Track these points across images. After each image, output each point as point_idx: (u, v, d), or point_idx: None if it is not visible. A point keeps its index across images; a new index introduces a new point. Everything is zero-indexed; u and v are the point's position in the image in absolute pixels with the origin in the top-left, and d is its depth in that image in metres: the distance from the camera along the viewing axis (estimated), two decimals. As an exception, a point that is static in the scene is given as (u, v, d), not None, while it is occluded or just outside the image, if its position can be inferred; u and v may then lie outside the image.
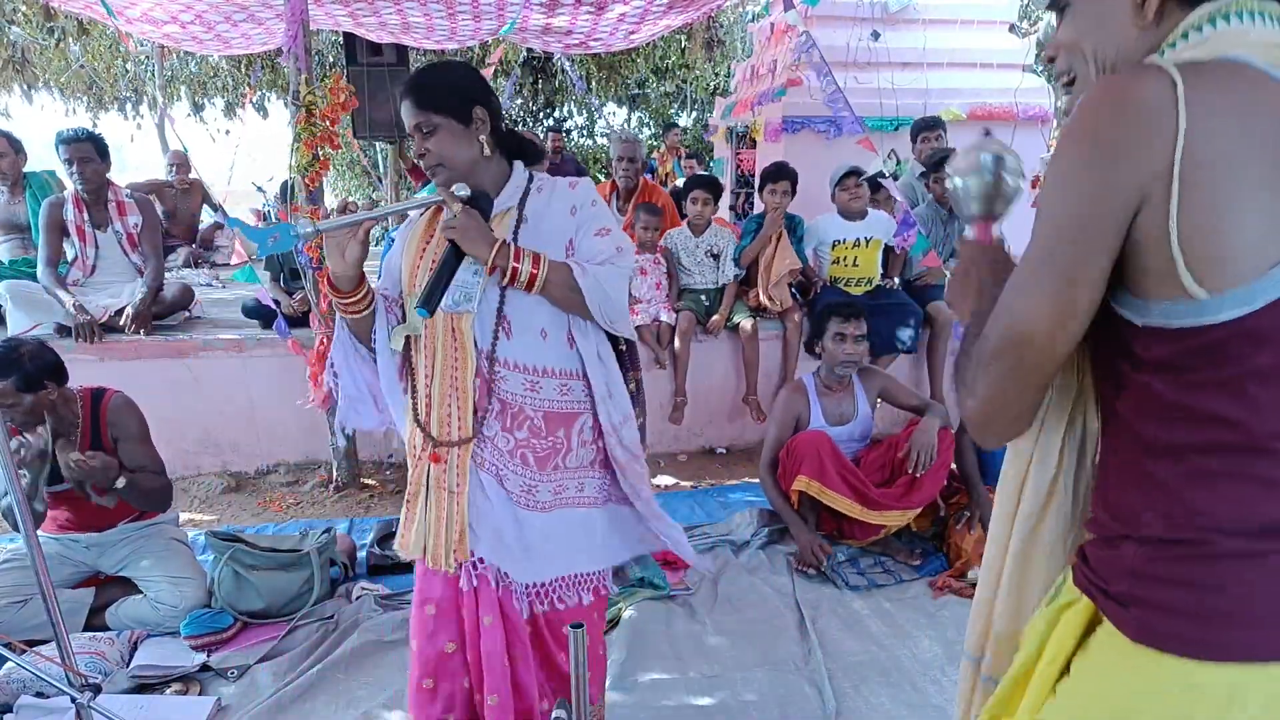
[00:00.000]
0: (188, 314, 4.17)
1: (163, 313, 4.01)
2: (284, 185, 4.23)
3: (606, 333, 1.67)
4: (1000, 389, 0.87)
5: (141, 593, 2.61)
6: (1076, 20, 0.93)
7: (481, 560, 1.64)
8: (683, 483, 3.98)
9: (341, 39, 7.94)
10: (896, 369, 4.18)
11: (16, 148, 4.23)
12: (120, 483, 2.45)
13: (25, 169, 4.30)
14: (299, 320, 3.79)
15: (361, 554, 3.08)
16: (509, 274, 1.54)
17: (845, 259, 4.21)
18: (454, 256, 1.53)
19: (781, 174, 4.21)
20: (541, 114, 13.55)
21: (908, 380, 4.11)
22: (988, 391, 0.88)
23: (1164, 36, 0.85)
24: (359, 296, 1.58)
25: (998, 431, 0.92)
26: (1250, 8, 0.82)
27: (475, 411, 1.61)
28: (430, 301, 1.49)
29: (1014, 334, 0.84)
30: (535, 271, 1.54)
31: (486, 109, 1.60)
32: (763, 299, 4.19)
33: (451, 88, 1.58)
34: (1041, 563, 1.04)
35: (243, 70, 10.79)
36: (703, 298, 4.22)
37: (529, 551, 1.65)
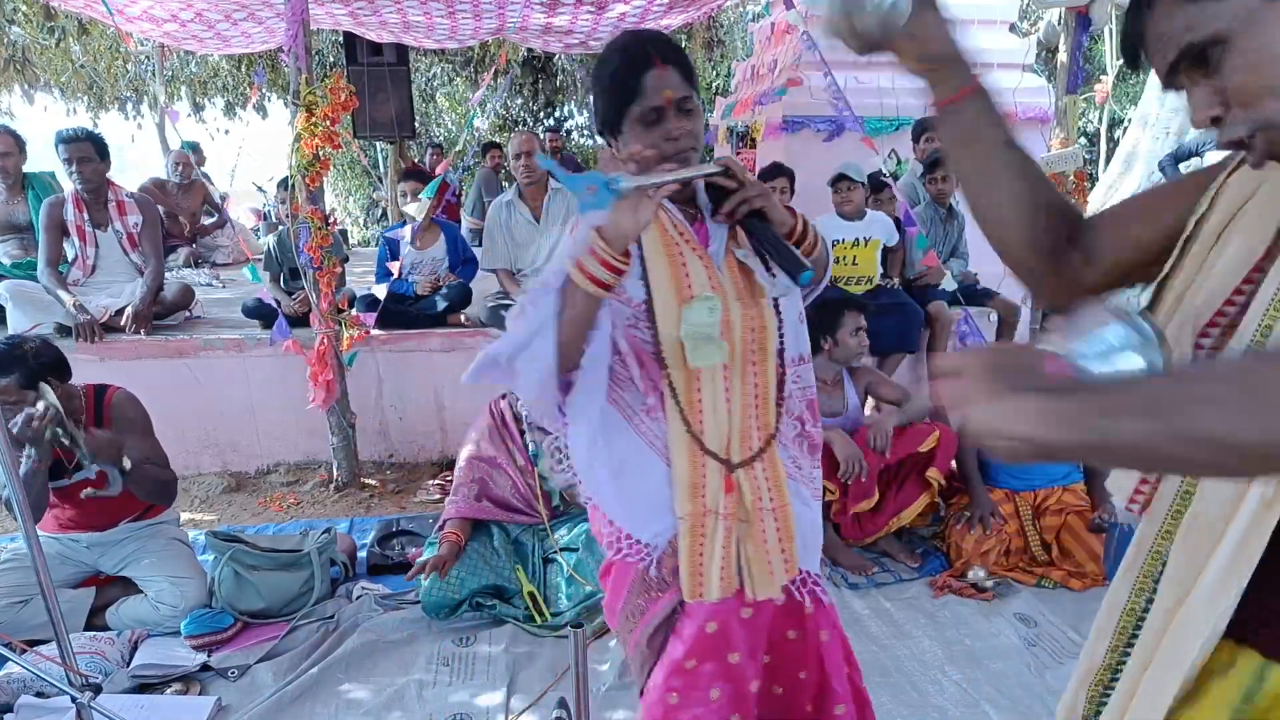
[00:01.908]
0: (188, 314, 4.18)
1: (163, 313, 4.02)
2: (283, 181, 4.24)
3: None
4: None
5: (142, 592, 2.61)
6: (1255, 57, 0.70)
7: (806, 571, 1.46)
8: (683, 482, 3.98)
9: (341, 39, 7.95)
10: (896, 368, 4.19)
11: (20, 146, 4.23)
12: (126, 463, 2.44)
13: (26, 169, 4.31)
14: (299, 320, 3.79)
15: (362, 554, 3.09)
16: (805, 239, 1.39)
17: (845, 258, 4.22)
18: (770, 229, 1.34)
19: (778, 173, 4.23)
20: (542, 114, 13.55)
21: (908, 380, 4.11)
22: None
23: None
24: (628, 262, 1.26)
25: None
26: None
27: (776, 415, 1.43)
28: (804, 269, 1.31)
29: None
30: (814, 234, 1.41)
31: None
32: None
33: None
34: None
35: (243, 70, 10.79)
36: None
37: (813, 542, 1.51)
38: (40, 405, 2.30)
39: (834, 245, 4.23)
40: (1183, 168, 5.69)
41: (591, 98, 1.45)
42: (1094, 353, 0.75)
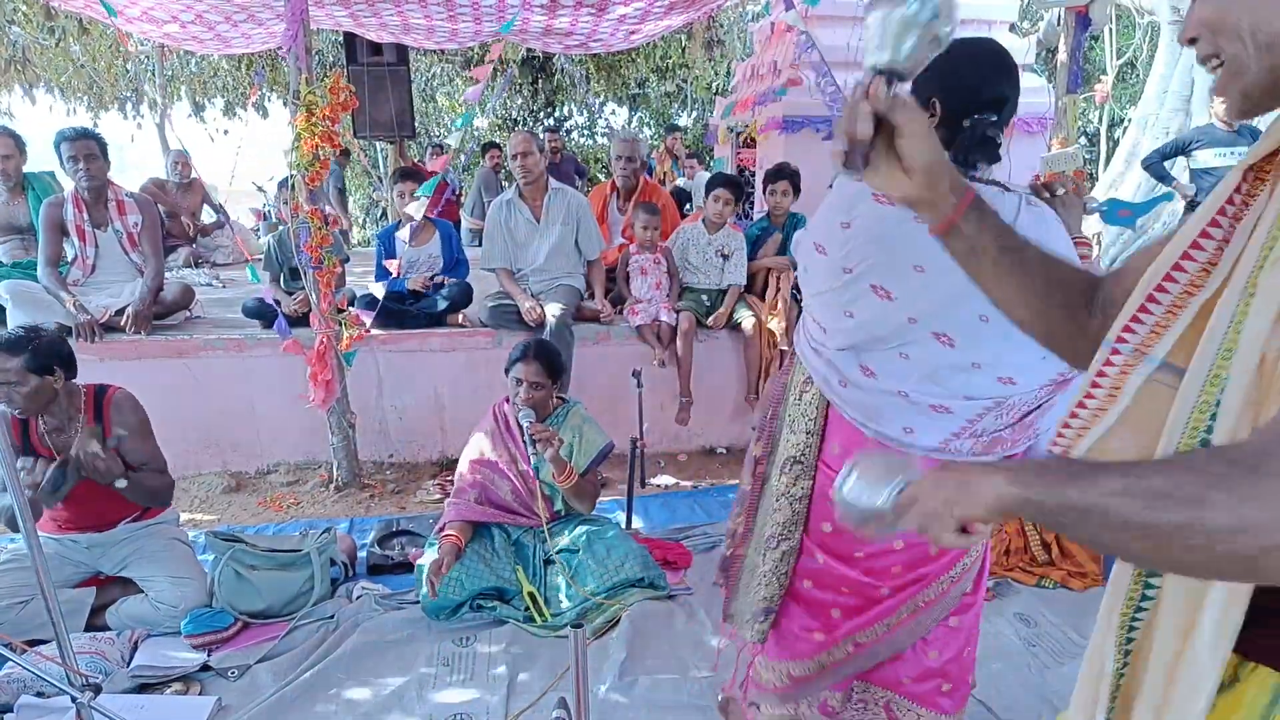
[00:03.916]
0: (188, 314, 4.18)
1: (163, 313, 4.02)
2: (283, 181, 4.24)
3: None
4: None
5: (142, 592, 2.61)
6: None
7: None
8: (683, 482, 3.99)
9: (341, 39, 7.95)
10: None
11: (21, 147, 4.24)
12: (121, 484, 2.46)
13: (26, 169, 4.31)
14: (299, 320, 3.79)
15: (362, 554, 3.09)
16: None
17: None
18: None
19: (781, 175, 4.23)
20: (542, 114, 13.56)
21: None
22: None
23: None
24: None
25: None
26: None
27: None
28: None
29: None
30: None
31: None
32: (772, 328, 4.15)
33: None
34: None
35: (243, 70, 10.79)
36: (704, 298, 4.22)
37: None
38: (35, 466, 2.38)
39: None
40: (1169, 165, 5.62)
41: (950, 72, 1.44)
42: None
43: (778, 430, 1.68)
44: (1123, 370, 0.83)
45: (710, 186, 4.31)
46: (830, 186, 1.55)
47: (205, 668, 2.40)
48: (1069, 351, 1.02)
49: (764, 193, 4.33)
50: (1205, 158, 5.34)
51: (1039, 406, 1.52)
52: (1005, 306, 1.02)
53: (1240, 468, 0.60)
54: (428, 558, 2.66)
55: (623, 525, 3.26)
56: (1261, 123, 0.81)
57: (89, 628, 2.56)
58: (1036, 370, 1.43)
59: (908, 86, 0.94)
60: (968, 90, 1.44)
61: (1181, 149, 5.50)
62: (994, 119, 1.45)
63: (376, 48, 7.14)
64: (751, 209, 6.88)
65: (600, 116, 12.51)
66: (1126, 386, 0.82)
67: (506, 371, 2.79)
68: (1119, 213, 3.37)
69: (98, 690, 1.66)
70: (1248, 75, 0.76)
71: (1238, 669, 0.75)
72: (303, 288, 3.70)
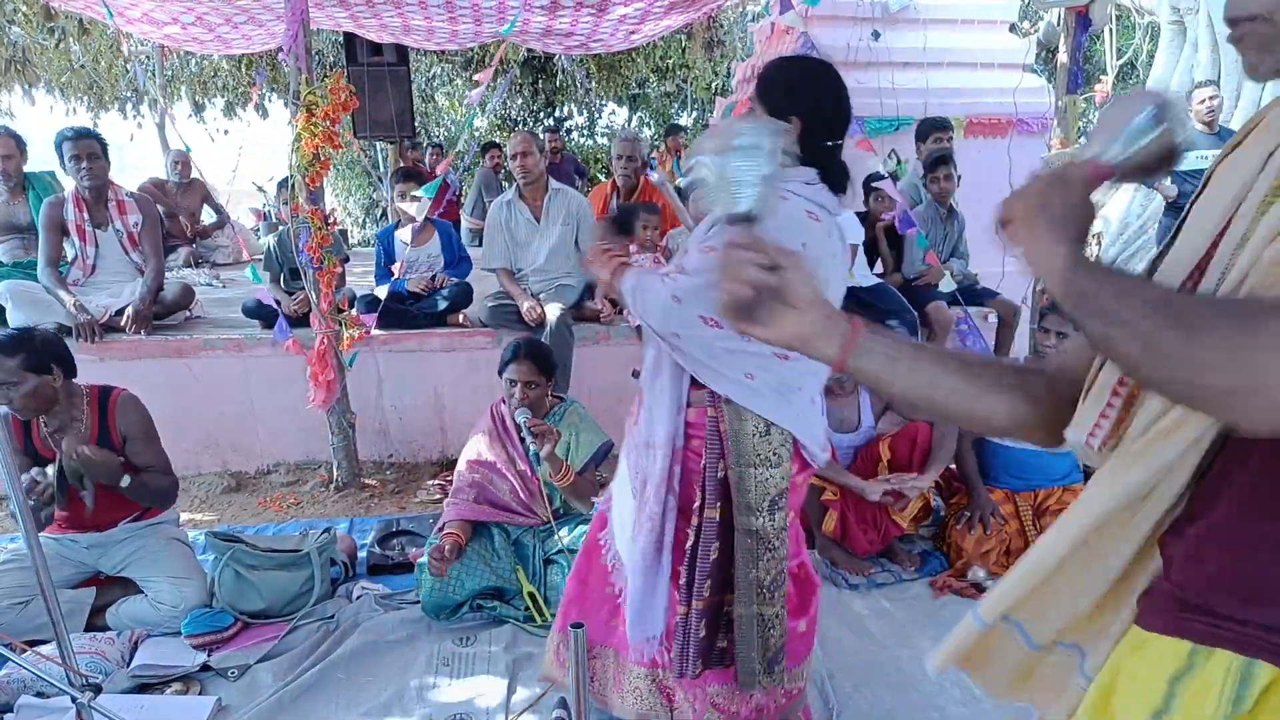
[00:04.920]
0: (188, 314, 4.18)
1: (163, 313, 4.02)
2: (283, 181, 4.24)
3: None
4: None
5: (142, 593, 2.61)
6: None
7: None
8: (683, 483, 3.98)
9: (341, 39, 7.95)
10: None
11: (21, 147, 4.24)
12: (125, 482, 2.45)
13: (26, 169, 4.32)
14: (299, 320, 3.79)
15: (362, 554, 3.09)
16: None
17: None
18: None
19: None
20: (542, 114, 13.55)
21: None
22: None
23: None
24: None
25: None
26: None
27: None
28: None
29: None
30: None
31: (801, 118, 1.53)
32: None
33: (770, 86, 1.59)
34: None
35: (243, 70, 10.78)
36: (703, 298, 4.22)
37: None
38: (48, 473, 2.39)
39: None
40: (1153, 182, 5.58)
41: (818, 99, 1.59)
42: (1121, 148, 0.86)
43: (735, 477, 1.65)
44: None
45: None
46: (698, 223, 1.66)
47: (205, 668, 2.40)
48: (1041, 437, 0.96)
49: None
50: (1187, 160, 5.31)
51: None
52: (947, 414, 0.95)
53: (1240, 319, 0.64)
54: (427, 557, 2.66)
55: (623, 525, 3.25)
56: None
57: (89, 628, 2.56)
58: None
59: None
60: (833, 115, 1.58)
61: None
62: (840, 144, 1.61)
63: (376, 48, 7.14)
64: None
65: (600, 116, 12.51)
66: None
67: (500, 374, 2.78)
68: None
69: (98, 690, 1.66)
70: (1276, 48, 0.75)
71: (1191, 653, 0.79)
72: (303, 288, 3.70)
